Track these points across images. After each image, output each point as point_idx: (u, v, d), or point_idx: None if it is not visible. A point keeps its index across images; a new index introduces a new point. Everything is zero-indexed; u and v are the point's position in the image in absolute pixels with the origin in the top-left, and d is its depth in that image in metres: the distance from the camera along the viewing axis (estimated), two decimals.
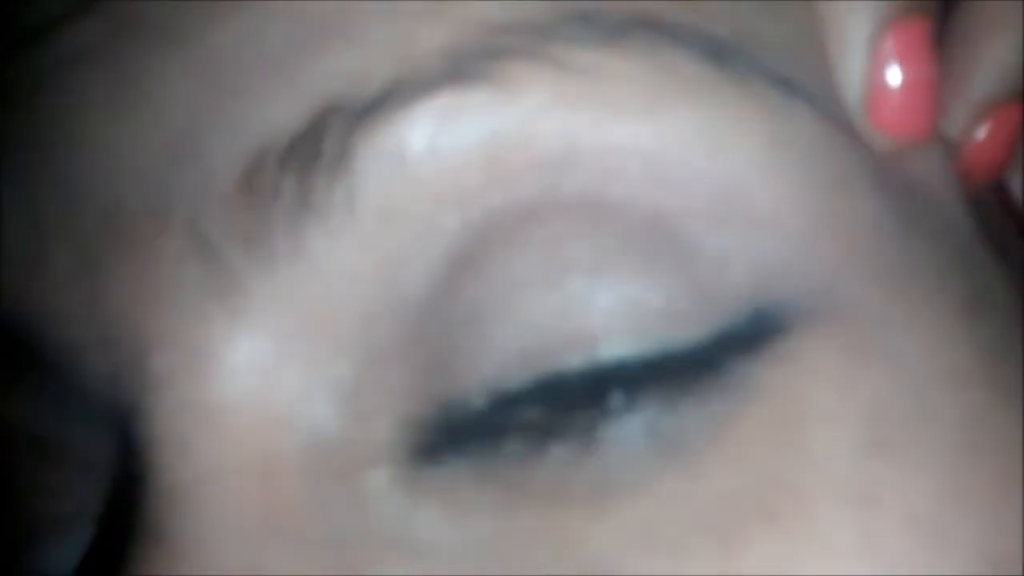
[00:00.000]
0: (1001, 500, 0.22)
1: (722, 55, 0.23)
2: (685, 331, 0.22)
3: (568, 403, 0.22)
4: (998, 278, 0.24)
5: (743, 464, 0.22)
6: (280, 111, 0.22)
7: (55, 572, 0.26)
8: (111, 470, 0.24)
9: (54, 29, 0.24)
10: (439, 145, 0.22)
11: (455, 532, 0.22)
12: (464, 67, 0.22)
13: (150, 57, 0.24)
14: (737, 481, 0.21)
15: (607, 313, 0.22)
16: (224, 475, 0.22)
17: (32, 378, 0.25)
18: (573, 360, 0.22)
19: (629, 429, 0.22)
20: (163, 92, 0.23)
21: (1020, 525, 0.22)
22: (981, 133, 0.25)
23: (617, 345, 0.22)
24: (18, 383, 0.26)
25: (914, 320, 0.23)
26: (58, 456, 0.26)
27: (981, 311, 0.23)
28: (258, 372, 0.22)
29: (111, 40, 0.24)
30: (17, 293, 0.25)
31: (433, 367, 0.22)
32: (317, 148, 0.22)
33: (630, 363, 0.22)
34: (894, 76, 0.24)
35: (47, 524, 0.26)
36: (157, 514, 0.22)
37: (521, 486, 0.22)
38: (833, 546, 0.21)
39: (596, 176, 0.22)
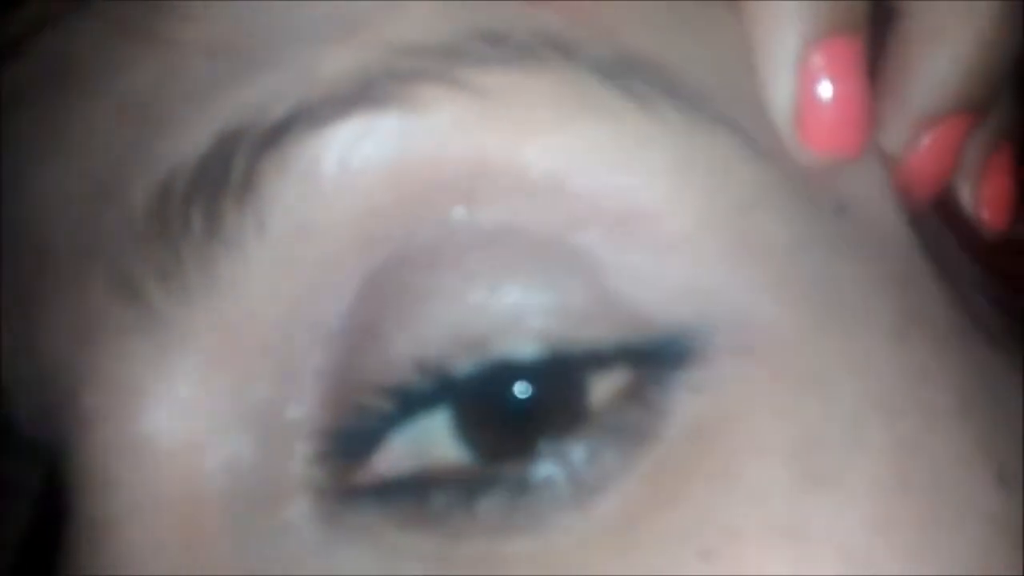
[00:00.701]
0: (930, 532, 0.22)
1: (628, 75, 0.23)
2: (589, 334, 0.22)
3: (494, 454, 0.22)
4: (934, 294, 0.24)
5: (677, 503, 0.21)
6: (187, 140, 0.22)
7: None
8: (35, 502, 0.25)
9: None
10: (350, 165, 0.22)
11: (381, 573, 0.22)
12: (373, 90, 0.22)
13: (81, 95, 0.24)
14: (671, 521, 0.21)
15: (504, 319, 0.22)
16: (146, 510, 0.22)
17: None
18: (470, 362, 0.22)
19: (555, 478, 0.22)
20: (86, 132, 0.24)
21: (949, 557, 0.22)
22: (921, 147, 0.25)
23: (514, 345, 0.22)
24: None
25: (841, 346, 0.22)
26: None
27: (912, 332, 0.23)
28: (182, 403, 0.23)
29: (39, 83, 0.24)
30: None
31: (342, 380, 0.22)
32: (224, 174, 0.22)
33: (530, 361, 0.22)
34: (824, 92, 0.23)
35: None
36: (78, 550, 0.22)
37: (451, 535, 0.22)
38: None
39: (502, 194, 0.22)
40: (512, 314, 0.22)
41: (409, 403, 0.22)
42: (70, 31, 0.24)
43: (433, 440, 0.22)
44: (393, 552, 0.22)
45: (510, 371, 0.22)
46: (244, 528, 0.22)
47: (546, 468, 0.22)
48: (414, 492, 0.22)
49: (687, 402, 0.22)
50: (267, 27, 0.23)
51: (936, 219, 0.25)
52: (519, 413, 0.22)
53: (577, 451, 0.22)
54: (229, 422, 0.23)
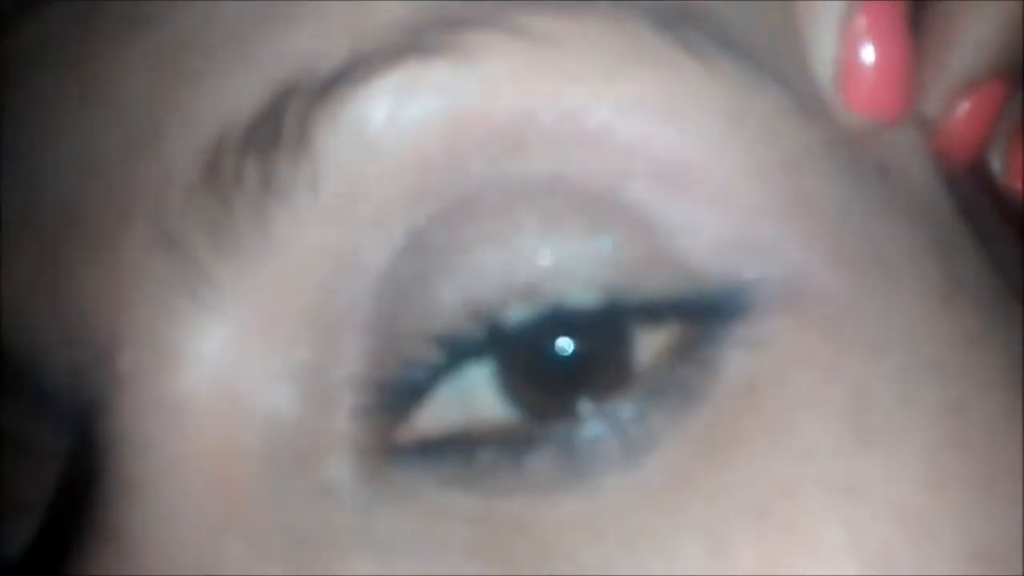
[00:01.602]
0: (984, 491, 0.22)
1: (682, 24, 0.22)
2: (640, 286, 0.22)
3: (539, 412, 0.22)
4: (975, 261, 0.24)
5: (730, 461, 0.21)
6: (237, 95, 0.22)
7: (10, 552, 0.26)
8: (68, 464, 0.24)
9: (11, 23, 0.24)
10: (400, 118, 0.22)
11: (422, 534, 0.22)
12: (422, 39, 0.22)
13: (108, 48, 0.23)
14: (726, 478, 0.21)
15: (555, 266, 0.22)
16: (183, 469, 0.22)
17: None
18: (520, 310, 0.22)
19: (604, 437, 0.21)
20: (122, 84, 0.23)
21: (1003, 515, 0.22)
22: (960, 112, 0.25)
23: (565, 293, 0.22)
24: None
25: (890, 307, 0.22)
26: (19, 446, 0.25)
27: (958, 297, 0.23)
28: (222, 362, 0.22)
29: (69, 32, 0.24)
30: None
31: (389, 332, 0.22)
32: (277, 130, 0.22)
33: (585, 309, 0.22)
34: (867, 55, 0.23)
35: (7, 510, 0.26)
36: (111, 511, 0.22)
37: (497, 494, 0.21)
38: (821, 544, 0.21)
39: (553, 144, 0.22)
40: (561, 264, 0.21)
41: (456, 352, 0.22)
42: None
43: (477, 397, 0.22)
44: (437, 512, 0.22)
45: (558, 323, 0.22)
46: (283, 488, 0.22)
47: (594, 427, 0.21)
48: (459, 450, 0.22)
49: (738, 359, 0.21)
50: None
51: (971, 184, 0.25)
52: (566, 370, 0.22)
53: (626, 410, 0.21)
54: (271, 379, 0.22)
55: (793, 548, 0.21)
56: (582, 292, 0.22)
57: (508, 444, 0.21)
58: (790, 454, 0.21)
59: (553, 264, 0.21)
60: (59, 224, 0.23)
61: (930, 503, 0.21)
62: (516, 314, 0.21)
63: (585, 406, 0.22)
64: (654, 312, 0.22)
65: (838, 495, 0.21)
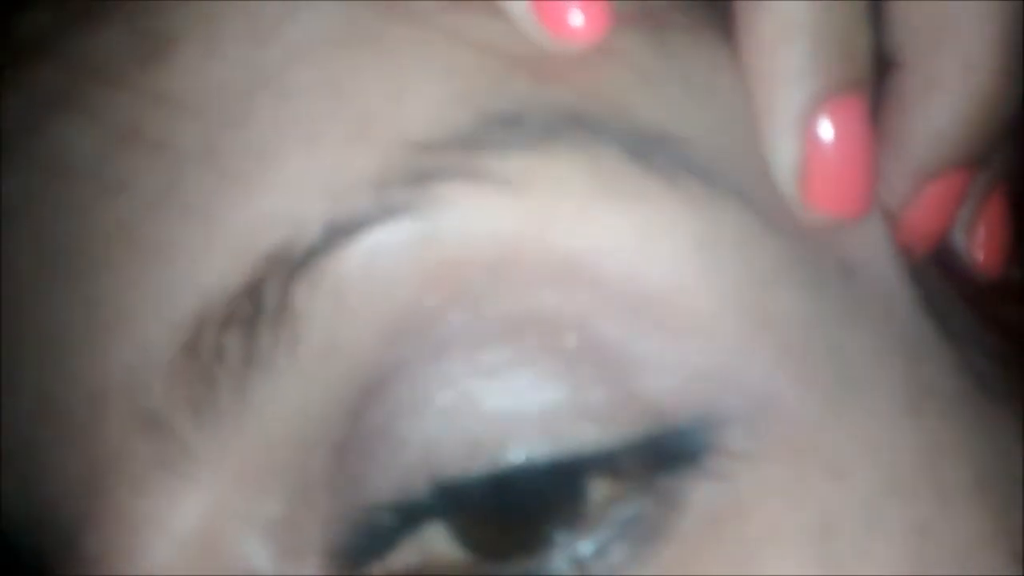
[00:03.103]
0: None
1: (647, 150, 0.22)
2: (608, 437, 0.22)
3: (498, 552, 0.22)
4: (941, 360, 0.24)
5: None
6: (213, 271, 0.22)
7: None
8: None
9: None
10: (373, 276, 0.22)
11: None
12: (390, 199, 0.22)
13: (75, 213, 0.23)
14: None
15: (517, 417, 0.22)
16: None
17: None
18: (478, 467, 0.22)
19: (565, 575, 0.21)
20: (88, 256, 0.23)
21: None
22: (921, 201, 0.24)
23: (528, 448, 0.22)
24: None
25: (856, 425, 0.22)
26: None
27: (924, 404, 0.23)
28: (199, 531, 0.22)
29: (27, 199, 0.24)
30: None
31: (354, 493, 0.22)
32: (258, 304, 0.22)
33: (543, 469, 0.22)
34: (828, 153, 0.23)
35: None
36: None
37: None
38: None
39: (524, 286, 0.22)
40: (524, 412, 0.22)
41: (414, 515, 0.22)
42: (60, 136, 0.23)
43: (437, 544, 0.22)
44: None
45: (518, 475, 0.22)
46: None
47: (555, 565, 0.21)
48: None
49: (701, 491, 0.21)
50: (267, 128, 0.22)
51: (934, 270, 0.25)
52: (523, 511, 0.22)
53: (586, 547, 0.21)
54: (244, 541, 0.22)
55: None
56: (541, 445, 0.21)
57: None
58: None
59: (511, 413, 0.22)
60: (29, 414, 0.23)
61: None
62: (476, 470, 0.22)
63: (546, 544, 0.22)
64: (612, 460, 0.22)
65: None
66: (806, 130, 0.23)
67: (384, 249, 0.22)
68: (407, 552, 0.22)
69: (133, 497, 0.22)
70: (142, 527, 0.22)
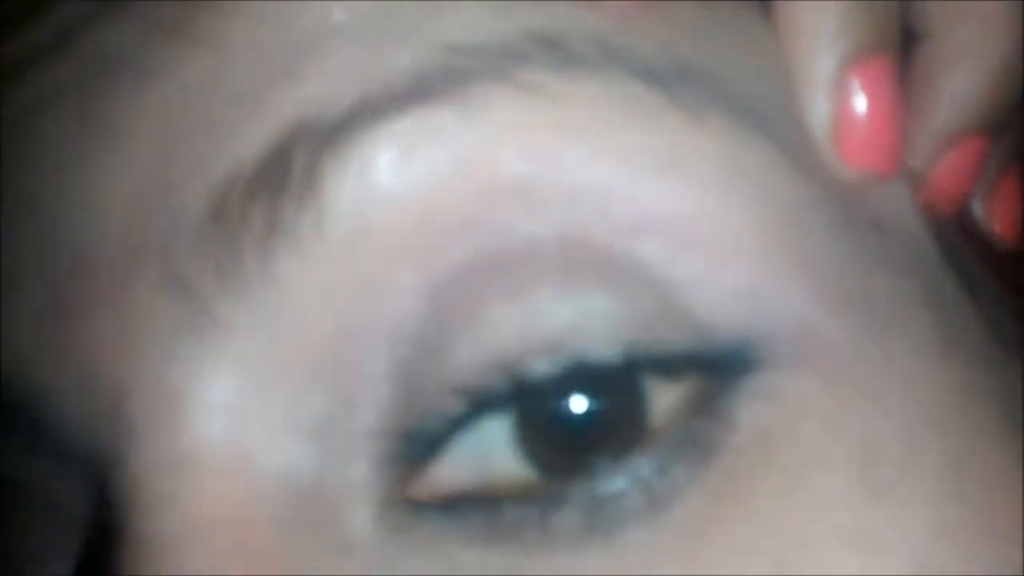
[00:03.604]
0: (989, 538, 0.22)
1: (680, 84, 0.23)
2: (652, 343, 0.22)
3: (556, 469, 0.22)
4: (965, 312, 0.25)
5: (747, 514, 0.22)
6: (246, 140, 0.22)
7: None
8: (84, 518, 0.24)
9: (23, 70, 0.24)
10: (406, 165, 0.22)
11: None
12: (429, 87, 0.22)
13: (117, 98, 0.24)
14: (742, 532, 0.22)
15: (572, 322, 0.22)
16: (200, 528, 0.22)
17: (8, 420, 0.25)
18: (539, 366, 0.22)
19: (628, 493, 0.22)
20: (132, 132, 0.23)
21: (1006, 561, 0.22)
22: (944, 164, 0.25)
23: (587, 349, 0.22)
24: None
25: (891, 361, 0.23)
26: (29, 499, 0.26)
27: (953, 350, 0.24)
28: (234, 412, 0.22)
29: (78, 82, 0.24)
30: None
31: (404, 388, 0.22)
32: (285, 173, 0.22)
33: (605, 366, 0.22)
34: (859, 112, 0.24)
35: (23, 561, 0.26)
36: (136, 566, 0.22)
37: (525, 551, 0.22)
38: None
39: (558, 199, 0.22)
40: (575, 320, 0.22)
41: (477, 403, 0.22)
42: (112, 29, 0.24)
43: (494, 454, 0.23)
44: (460, 567, 0.22)
45: (576, 381, 0.22)
46: (303, 545, 0.22)
47: (616, 483, 0.22)
48: (482, 507, 0.22)
49: (753, 411, 0.22)
50: (313, 28, 0.23)
51: (956, 234, 0.26)
52: (583, 428, 0.22)
53: (645, 465, 0.22)
54: (285, 431, 0.22)
55: None
56: (602, 347, 0.22)
57: (532, 501, 0.22)
58: (804, 507, 0.22)
59: (571, 320, 0.22)
60: (67, 273, 0.24)
61: (940, 552, 0.22)
62: (538, 368, 0.22)
63: (602, 463, 0.22)
64: (671, 366, 0.22)
65: (851, 546, 0.22)
66: (839, 89, 0.24)
67: (417, 134, 0.22)
68: (463, 467, 0.23)
69: (165, 364, 0.22)
70: (177, 399, 0.22)
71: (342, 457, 0.22)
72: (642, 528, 0.22)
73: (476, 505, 0.22)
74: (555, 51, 0.23)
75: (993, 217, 0.27)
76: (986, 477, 0.23)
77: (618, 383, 0.22)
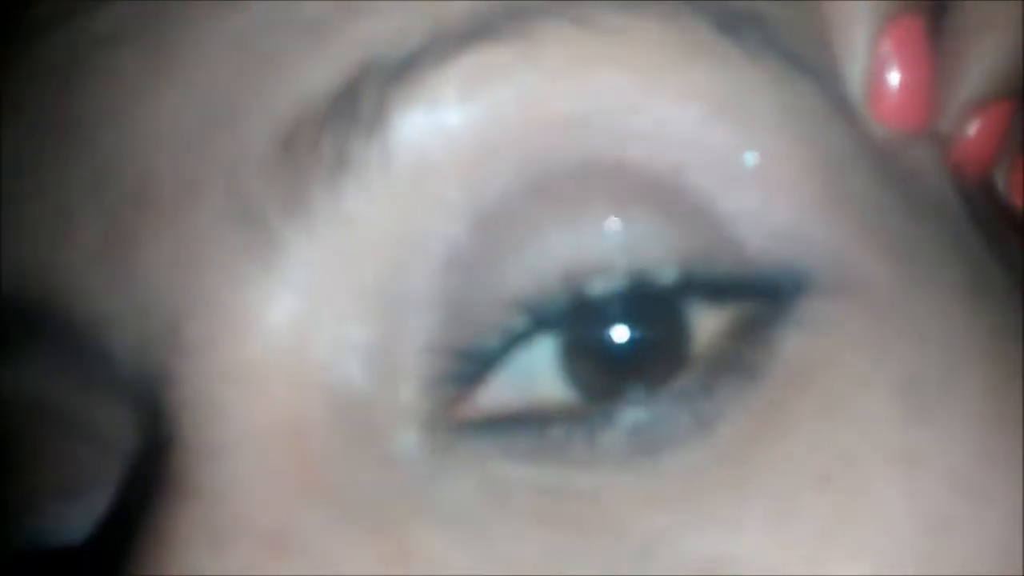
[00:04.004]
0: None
1: (737, 25, 0.24)
2: (705, 267, 0.23)
3: (601, 394, 0.23)
4: (994, 265, 0.26)
5: (790, 432, 0.22)
6: (315, 76, 0.23)
7: (66, 536, 0.27)
8: (134, 437, 0.25)
9: (93, 3, 0.25)
10: (470, 101, 0.23)
11: (489, 504, 0.23)
12: (492, 26, 0.23)
13: (185, 30, 0.24)
14: (787, 449, 0.22)
15: (626, 243, 0.23)
16: (257, 436, 0.23)
17: (51, 348, 0.25)
18: (596, 283, 0.23)
19: (675, 413, 0.23)
20: (198, 64, 0.24)
21: None
22: (971, 129, 0.26)
23: (640, 268, 0.23)
24: (33, 352, 0.26)
25: (929, 299, 0.24)
26: (71, 423, 0.26)
27: (984, 295, 0.25)
28: (293, 332, 0.23)
29: (145, 14, 0.25)
30: (42, 269, 0.25)
31: (456, 312, 0.23)
32: (353, 109, 0.23)
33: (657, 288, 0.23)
34: (893, 75, 0.25)
35: (56, 489, 0.26)
36: (189, 472, 0.23)
37: (570, 468, 0.23)
38: (884, 507, 0.22)
39: (616, 132, 0.23)
40: (629, 241, 0.23)
41: (533, 317, 0.23)
42: None
43: (538, 379, 0.23)
44: (504, 483, 0.23)
45: (628, 303, 0.23)
46: (353, 457, 0.23)
47: (662, 406, 0.23)
48: (530, 425, 0.23)
49: (794, 339, 0.23)
50: None
51: (982, 199, 0.27)
52: (628, 354, 0.23)
53: (691, 386, 0.23)
54: (339, 350, 0.23)
55: (856, 513, 0.22)
56: (657, 267, 0.23)
57: (580, 420, 0.23)
58: (850, 425, 0.22)
59: (625, 241, 0.23)
60: (128, 198, 0.24)
61: (984, 472, 0.22)
62: (595, 286, 0.23)
63: (641, 390, 0.23)
64: (720, 291, 0.23)
65: (898, 463, 0.22)
66: (875, 48, 0.25)
67: (482, 71, 0.23)
68: (508, 391, 0.23)
69: (224, 286, 0.23)
70: (236, 318, 0.23)
71: (392, 377, 0.23)
72: (689, 448, 0.22)
73: (522, 424, 0.23)
74: None
75: (1013, 187, 0.28)
76: (1021, 408, 0.23)
77: (664, 309, 0.23)
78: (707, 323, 0.23)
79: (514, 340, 0.23)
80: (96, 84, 0.25)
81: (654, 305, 0.23)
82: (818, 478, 0.22)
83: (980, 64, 0.26)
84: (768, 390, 0.23)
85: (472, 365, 0.23)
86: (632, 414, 0.23)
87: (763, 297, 0.23)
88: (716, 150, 0.23)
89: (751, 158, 0.23)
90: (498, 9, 0.23)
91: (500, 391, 0.23)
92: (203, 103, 0.24)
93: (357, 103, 0.23)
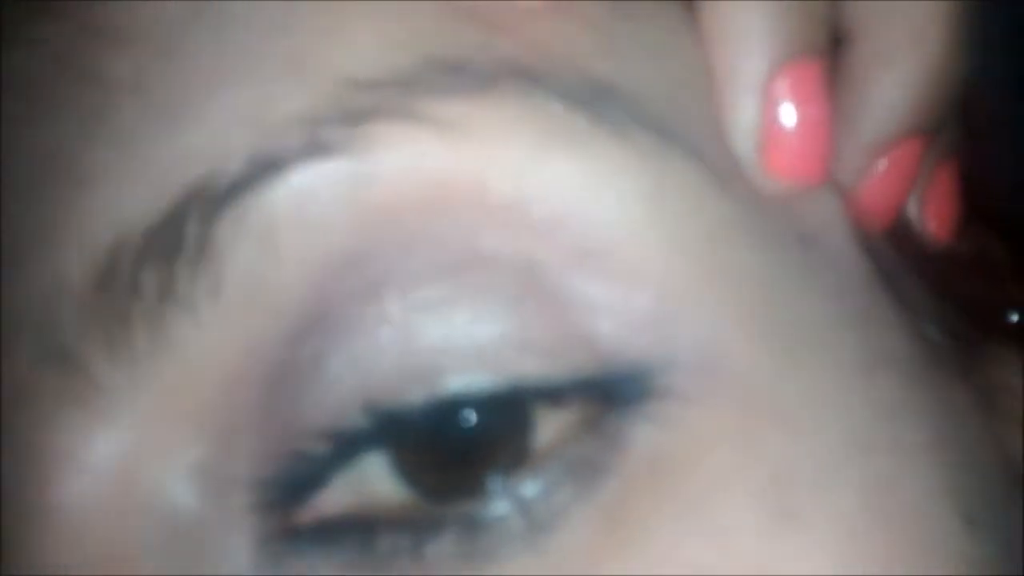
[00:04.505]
0: (901, 568, 0.22)
1: (596, 102, 0.22)
2: (545, 367, 0.22)
3: (440, 492, 0.22)
4: (896, 329, 0.24)
5: (641, 541, 0.21)
6: (134, 199, 0.21)
7: None
8: None
9: None
10: (304, 218, 0.21)
11: None
12: (323, 137, 0.21)
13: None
14: (636, 560, 0.21)
15: (457, 349, 0.22)
16: (65, 570, 0.22)
17: None
18: (416, 395, 0.21)
19: (508, 517, 0.21)
20: (6, 188, 0.22)
21: None
22: (877, 172, 0.25)
23: (468, 379, 0.22)
24: None
25: (811, 382, 0.22)
26: None
27: (879, 369, 0.23)
28: (117, 466, 0.22)
29: None
30: None
31: (281, 429, 0.22)
32: (178, 238, 0.21)
33: (480, 395, 0.22)
34: (788, 118, 0.23)
35: None
36: None
37: None
38: None
39: (462, 227, 0.22)
40: (464, 344, 0.21)
41: (351, 444, 0.22)
42: None
43: (375, 480, 0.22)
44: None
45: (459, 405, 0.22)
46: None
47: (498, 506, 0.21)
48: (358, 535, 0.22)
49: (647, 435, 0.21)
50: (201, 63, 0.22)
51: (889, 247, 0.25)
52: (467, 448, 0.22)
53: (529, 487, 0.21)
54: (169, 474, 0.22)
55: None
56: (482, 375, 0.21)
57: (408, 528, 0.21)
58: (703, 535, 0.21)
59: (451, 345, 0.21)
60: None
61: None
62: (412, 400, 0.21)
63: (490, 483, 0.22)
64: (557, 392, 0.22)
65: None
66: (766, 94, 0.23)
67: (314, 188, 0.21)
68: (343, 492, 0.22)
69: (43, 431, 0.22)
70: (55, 461, 0.22)
71: (222, 497, 0.22)
72: (522, 554, 0.21)
73: (352, 532, 0.22)
74: (461, 77, 0.22)
75: (927, 217, 0.26)
76: (905, 503, 0.22)
77: (502, 406, 0.22)
78: (555, 415, 0.22)
79: (332, 464, 0.22)
80: None
81: (497, 400, 0.22)
82: None
83: (885, 100, 0.24)
84: (613, 491, 0.21)
85: (295, 488, 0.22)
86: (463, 518, 0.21)
87: (609, 396, 0.22)
88: (574, 239, 0.22)
89: (611, 245, 0.22)
90: (327, 115, 0.21)
91: (336, 494, 0.22)
92: (13, 232, 0.22)
93: (182, 232, 0.21)
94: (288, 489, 0.22)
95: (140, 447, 0.22)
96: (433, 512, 0.22)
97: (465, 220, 0.22)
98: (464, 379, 0.21)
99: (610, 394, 0.22)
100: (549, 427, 0.22)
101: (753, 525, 0.21)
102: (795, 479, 0.22)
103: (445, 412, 0.22)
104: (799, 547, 0.21)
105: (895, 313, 0.24)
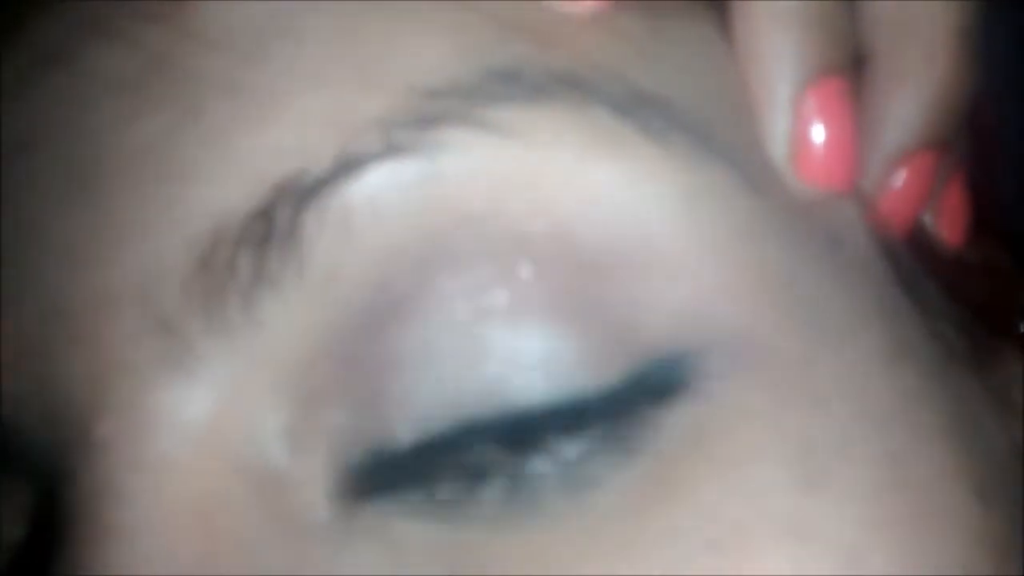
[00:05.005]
0: (922, 532, 0.23)
1: (640, 110, 0.24)
2: (600, 378, 0.23)
3: (492, 452, 0.23)
4: (917, 328, 0.26)
5: (680, 498, 0.23)
6: (229, 194, 0.23)
7: None
8: (38, 516, 0.25)
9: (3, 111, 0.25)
10: (378, 213, 0.23)
11: (389, 567, 0.23)
12: (398, 140, 0.23)
13: (93, 139, 0.24)
14: (677, 516, 0.23)
15: (522, 361, 0.23)
16: (160, 519, 0.23)
17: None
18: (490, 407, 0.23)
19: (548, 474, 0.23)
20: (108, 176, 0.24)
21: (938, 555, 0.23)
22: (896, 183, 0.26)
23: (532, 392, 0.23)
24: None
25: (837, 366, 0.24)
26: None
27: (900, 358, 0.25)
28: (208, 424, 0.23)
29: (55, 121, 0.25)
30: None
31: (364, 409, 0.23)
32: (268, 226, 0.23)
33: (548, 411, 0.23)
34: (817, 134, 0.25)
35: None
36: (87, 554, 0.23)
37: (456, 525, 0.23)
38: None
39: (519, 231, 0.23)
40: (524, 349, 0.23)
41: (430, 442, 0.23)
42: (93, 61, 0.25)
43: None
44: (402, 545, 0.23)
45: (529, 419, 0.23)
46: (263, 530, 0.23)
47: (540, 464, 0.23)
48: (420, 480, 0.23)
49: (685, 415, 0.23)
50: (284, 68, 0.24)
51: (908, 256, 0.27)
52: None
53: (570, 450, 0.23)
54: (256, 433, 0.23)
55: None
56: (543, 384, 0.23)
57: (463, 472, 0.23)
58: (739, 495, 0.23)
59: (513, 353, 0.23)
60: (41, 314, 0.24)
61: (870, 542, 0.23)
62: (486, 411, 0.23)
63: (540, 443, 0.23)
64: (604, 386, 0.23)
65: (785, 533, 0.22)
66: (798, 108, 0.25)
67: (389, 186, 0.23)
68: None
69: (141, 390, 0.23)
70: (150, 417, 0.23)
71: (303, 460, 0.23)
72: (563, 509, 0.23)
73: (416, 480, 0.23)
74: (516, 86, 0.24)
75: (941, 225, 0.28)
76: (923, 475, 0.24)
77: (558, 410, 0.23)
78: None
79: (424, 446, 0.23)
80: (12, 193, 0.25)
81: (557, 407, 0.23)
82: (706, 546, 0.22)
83: (902, 116, 0.26)
84: (652, 458, 0.23)
85: (381, 452, 0.23)
86: (509, 470, 0.23)
87: (661, 382, 0.23)
88: (619, 243, 0.23)
89: (651, 242, 0.24)
90: (401, 120, 0.23)
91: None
92: (114, 217, 0.24)
93: (271, 221, 0.23)
94: (372, 471, 0.23)
95: (232, 409, 0.23)
96: (483, 460, 0.23)
97: (519, 224, 0.23)
98: (528, 391, 0.23)
99: (650, 386, 0.23)
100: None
101: (782, 487, 0.23)
102: (821, 449, 0.23)
103: (522, 432, 0.23)
104: (825, 507, 0.23)
105: (913, 312, 0.26)
